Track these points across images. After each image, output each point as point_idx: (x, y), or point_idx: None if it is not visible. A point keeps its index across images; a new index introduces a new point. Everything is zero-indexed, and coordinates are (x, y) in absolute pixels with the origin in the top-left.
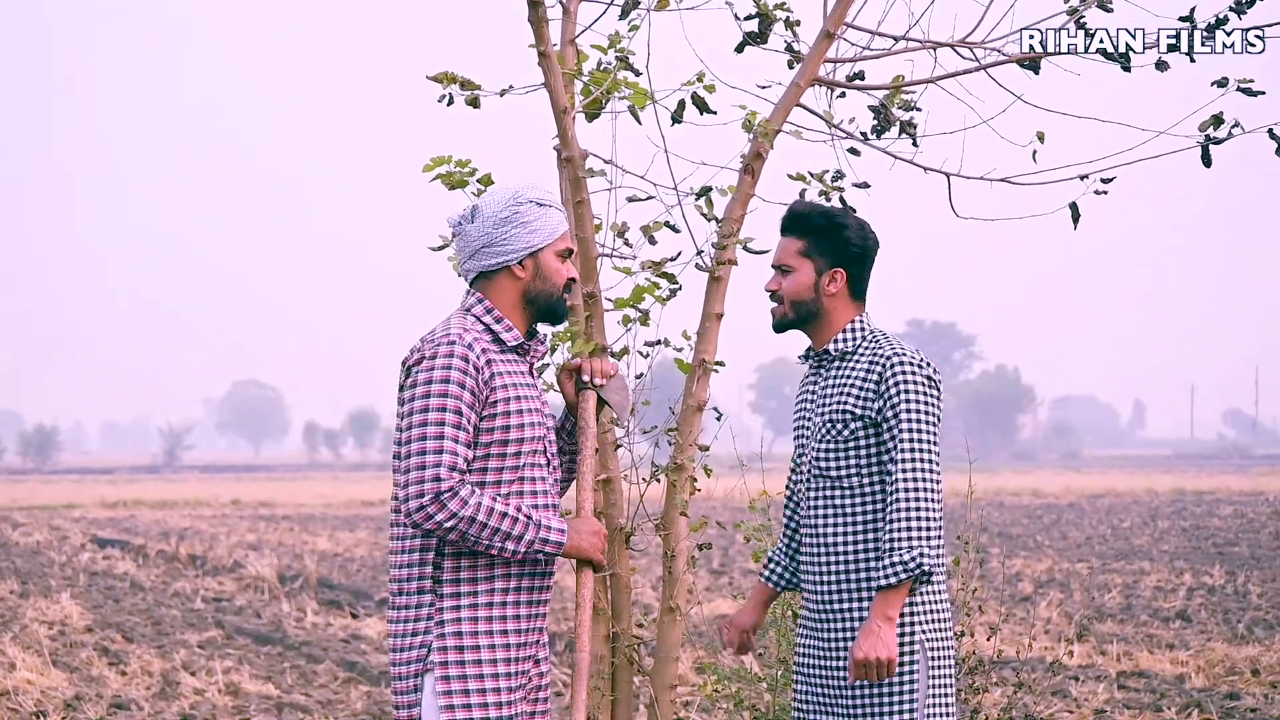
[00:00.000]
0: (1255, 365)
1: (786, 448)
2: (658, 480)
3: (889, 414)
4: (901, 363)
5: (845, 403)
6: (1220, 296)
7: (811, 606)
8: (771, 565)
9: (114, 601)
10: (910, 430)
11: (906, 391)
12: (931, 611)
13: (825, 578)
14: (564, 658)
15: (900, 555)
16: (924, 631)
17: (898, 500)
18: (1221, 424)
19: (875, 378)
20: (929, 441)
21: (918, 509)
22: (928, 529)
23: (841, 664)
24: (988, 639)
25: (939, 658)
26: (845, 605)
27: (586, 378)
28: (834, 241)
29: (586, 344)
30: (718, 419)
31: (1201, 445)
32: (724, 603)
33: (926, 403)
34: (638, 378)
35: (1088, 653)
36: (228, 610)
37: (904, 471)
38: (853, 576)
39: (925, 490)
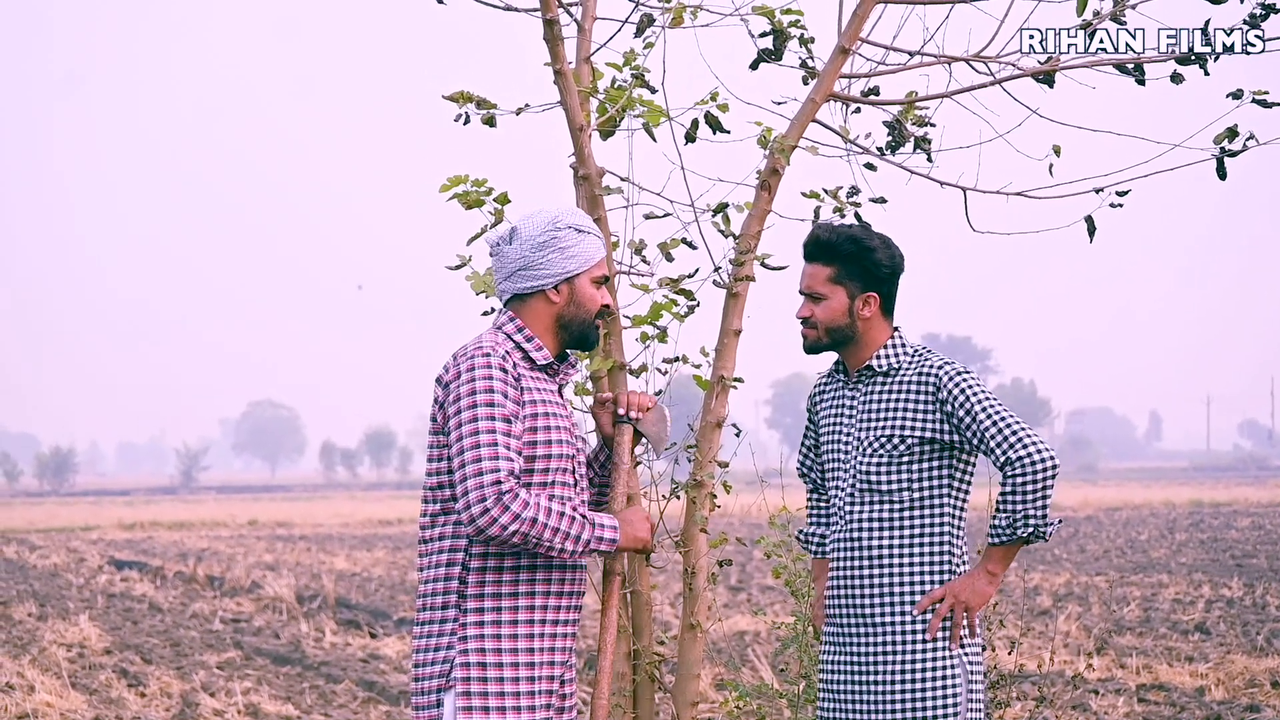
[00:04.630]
0: (1271, 376)
1: None
2: (677, 497)
3: (961, 414)
4: (951, 371)
5: (902, 420)
6: (1235, 308)
7: (842, 621)
8: (817, 539)
9: (132, 623)
10: (990, 413)
11: (967, 388)
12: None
13: (866, 589)
14: (584, 675)
15: (1032, 514)
16: (965, 652)
17: (1023, 465)
18: (1238, 435)
19: (930, 392)
20: (1009, 413)
21: (1041, 475)
22: (1047, 496)
23: (875, 679)
24: (1008, 653)
25: (974, 674)
26: (886, 618)
27: (622, 411)
28: (864, 265)
29: (604, 361)
30: (736, 435)
31: (1218, 457)
32: (743, 619)
33: (985, 390)
34: (656, 394)
35: (1107, 666)
36: (246, 631)
37: (1010, 444)
38: (897, 589)
39: (1041, 452)
